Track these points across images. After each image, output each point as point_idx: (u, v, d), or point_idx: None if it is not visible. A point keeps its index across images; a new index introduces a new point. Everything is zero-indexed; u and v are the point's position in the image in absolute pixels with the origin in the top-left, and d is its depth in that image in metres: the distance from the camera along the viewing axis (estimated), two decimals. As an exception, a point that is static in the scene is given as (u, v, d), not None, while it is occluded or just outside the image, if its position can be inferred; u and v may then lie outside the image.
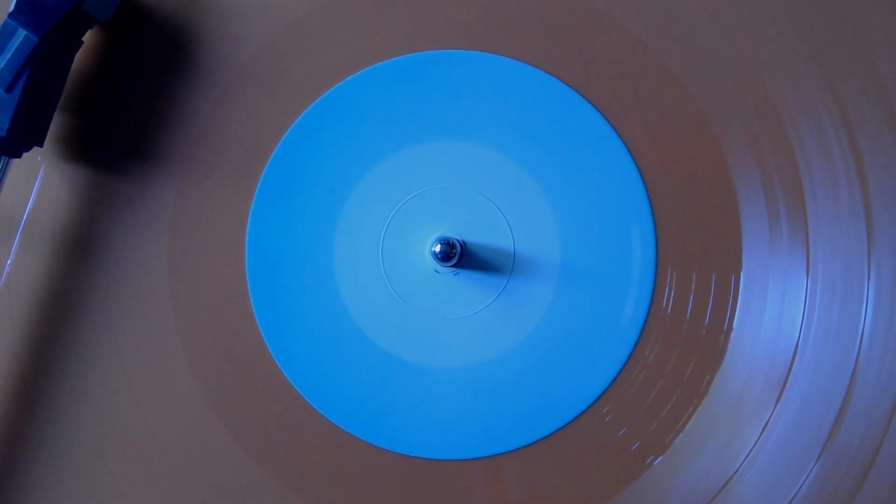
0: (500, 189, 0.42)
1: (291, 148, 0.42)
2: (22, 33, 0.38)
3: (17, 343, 0.43)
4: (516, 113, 0.42)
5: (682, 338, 0.41)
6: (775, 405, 0.40)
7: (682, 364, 0.41)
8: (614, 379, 0.41)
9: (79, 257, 0.43)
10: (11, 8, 0.38)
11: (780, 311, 0.40)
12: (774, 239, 0.40)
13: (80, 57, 0.42)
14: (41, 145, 0.41)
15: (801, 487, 0.40)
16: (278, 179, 0.42)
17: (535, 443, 0.41)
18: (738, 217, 0.41)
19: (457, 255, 0.40)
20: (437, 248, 0.39)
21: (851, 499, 0.39)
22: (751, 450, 0.40)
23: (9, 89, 0.38)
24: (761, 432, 0.40)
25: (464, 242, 0.41)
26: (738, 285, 0.41)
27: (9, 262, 0.43)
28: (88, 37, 0.42)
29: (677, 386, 0.41)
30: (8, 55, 0.38)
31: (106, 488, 0.42)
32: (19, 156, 0.40)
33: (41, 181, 0.43)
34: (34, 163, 0.43)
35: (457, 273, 0.41)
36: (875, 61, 0.40)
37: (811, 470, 0.40)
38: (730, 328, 0.40)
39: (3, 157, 0.40)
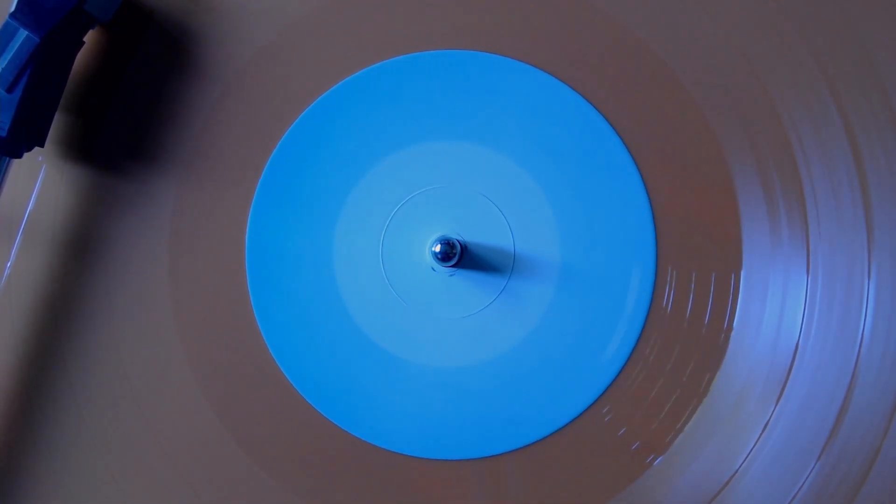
0: (501, 189, 0.42)
1: (291, 147, 0.42)
2: (23, 34, 0.38)
3: (17, 343, 0.43)
4: (516, 113, 0.42)
5: (682, 337, 0.41)
6: (776, 404, 0.40)
7: (682, 363, 0.41)
8: (614, 379, 0.41)
9: (79, 257, 0.43)
10: (13, 8, 0.38)
11: (781, 309, 0.40)
12: (774, 238, 0.40)
13: (81, 57, 0.42)
14: (42, 145, 0.41)
15: (801, 487, 0.40)
16: (278, 179, 0.42)
17: (535, 443, 0.41)
18: (738, 216, 0.41)
19: (457, 255, 0.40)
20: (438, 248, 0.39)
21: (853, 498, 0.39)
22: (751, 449, 0.40)
23: (10, 89, 0.38)
24: (762, 431, 0.40)
25: (464, 242, 0.41)
26: (738, 284, 0.40)
27: (9, 262, 0.43)
28: (89, 37, 0.42)
29: (677, 385, 0.41)
30: (9, 55, 0.38)
31: (106, 488, 0.42)
32: (20, 156, 0.40)
33: (42, 181, 0.43)
34: (35, 163, 0.43)
35: (455, 273, 0.41)
36: (875, 61, 0.40)
37: (812, 469, 0.39)
38: (730, 327, 0.40)
39: (4, 158, 0.40)
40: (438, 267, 0.41)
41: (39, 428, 0.42)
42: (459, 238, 0.41)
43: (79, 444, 0.42)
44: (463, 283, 0.41)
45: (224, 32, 0.43)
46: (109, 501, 0.42)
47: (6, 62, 0.38)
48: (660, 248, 0.41)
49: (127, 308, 0.42)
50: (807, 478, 0.39)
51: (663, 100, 0.41)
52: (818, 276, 0.40)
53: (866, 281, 0.40)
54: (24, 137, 0.40)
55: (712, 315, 0.41)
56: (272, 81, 0.43)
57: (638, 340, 0.41)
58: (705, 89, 0.41)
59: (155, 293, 0.42)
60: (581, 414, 0.41)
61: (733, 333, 0.40)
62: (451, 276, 0.42)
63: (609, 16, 0.42)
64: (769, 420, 0.40)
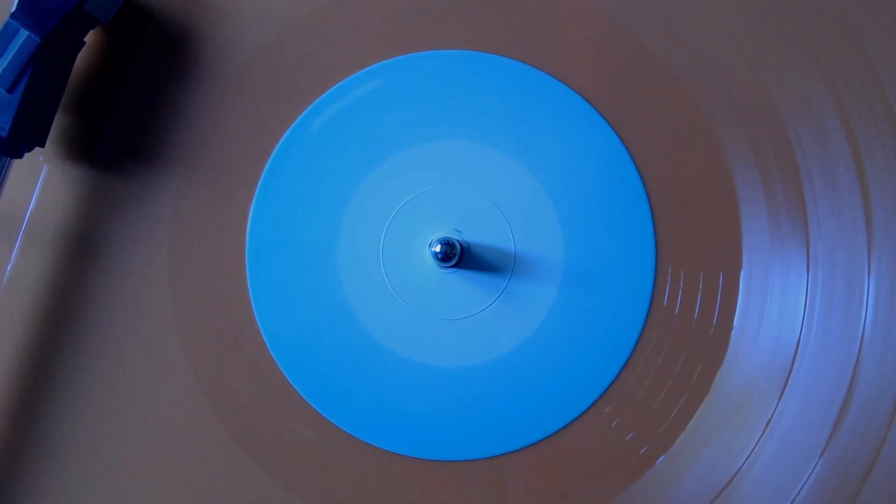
0: (501, 189, 0.42)
1: (292, 147, 0.42)
2: (24, 34, 0.38)
3: (17, 343, 0.42)
4: (516, 113, 0.42)
5: (682, 336, 0.41)
6: (778, 402, 0.40)
7: (683, 362, 0.41)
8: (616, 378, 0.41)
9: (80, 257, 0.43)
10: (13, 8, 0.39)
11: (781, 308, 0.40)
12: (775, 237, 0.40)
13: (81, 57, 0.42)
14: (43, 145, 0.41)
15: (805, 483, 0.39)
16: (279, 179, 0.42)
17: (536, 443, 0.41)
18: (738, 215, 0.41)
19: (457, 256, 0.40)
20: (438, 249, 0.39)
21: (856, 493, 0.39)
22: (754, 447, 0.40)
23: (11, 90, 0.38)
24: (764, 429, 0.40)
25: (464, 243, 0.41)
26: (739, 283, 0.40)
27: (10, 262, 0.43)
28: (90, 37, 0.42)
29: (679, 385, 0.40)
30: (10, 56, 0.38)
31: (106, 488, 0.42)
32: (21, 156, 0.40)
33: (43, 181, 0.43)
34: (36, 163, 0.43)
35: (455, 272, 0.41)
36: (875, 61, 0.41)
37: (815, 465, 0.39)
38: (730, 325, 0.40)
39: (5, 158, 0.40)
40: (439, 266, 0.41)
41: (40, 427, 0.42)
42: (459, 238, 0.41)
43: (79, 444, 0.42)
44: (464, 283, 0.41)
45: (225, 33, 0.43)
46: (109, 501, 0.42)
47: (7, 62, 0.38)
48: (660, 248, 0.41)
49: (127, 308, 0.42)
50: (810, 475, 0.39)
51: (663, 100, 0.41)
52: (818, 274, 0.40)
53: (866, 278, 0.40)
54: (24, 137, 0.40)
55: (713, 314, 0.41)
56: (272, 81, 0.43)
57: (638, 340, 0.41)
58: (705, 89, 0.41)
59: (155, 293, 0.42)
60: (582, 414, 0.41)
61: (734, 332, 0.40)
62: (451, 275, 0.41)
63: (609, 16, 0.42)
64: (771, 418, 0.40)
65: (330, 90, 0.42)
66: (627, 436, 0.40)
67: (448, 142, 0.42)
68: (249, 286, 0.42)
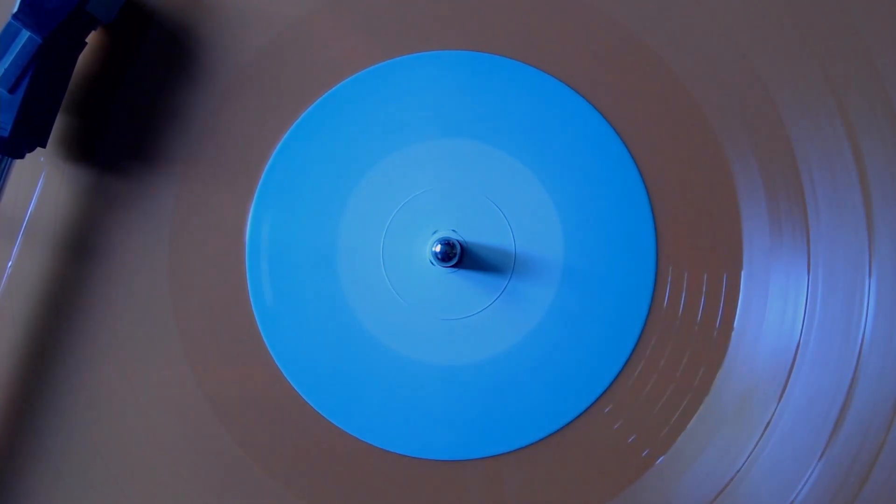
0: (501, 189, 0.42)
1: (292, 147, 0.42)
2: (25, 34, 0.39)
3: (17, 343, 0.43)
4: (517, 113, 0.42)
5: (682, 337, 0.41)
6: (778, 403, 0.40)
7: (683, 363, 0.40)
8: (615, 378, 0.41)
9: (80, 257, 0.43)
10: (15, 9, 0.39)
11: (782, 309, 0.40)
12: (775, 238, 0.40)
13: (83, 58, 0.42)
14: (44, 146, 0.41)
15: (804, 485, 0.39)
16: (279, 179, 0.42)
17: (536, 443, 0.41)
18: (739, 216, 0.41)
19: (457, 256, 0.40)
20: (438, 249, 0.39)
21: (855, 495, 0.39)
22: (754, 448, 0.40)
23: (12, 90, 0.39)
24: (764, 430, 0.40)
25: (464, 243, 0.41)
26: (739, 284, 0.40)
27: (10, 262, 0.43)
28: (91, 38, 0.43)
29: (679, 385, 0.40)
30: (12, 56, 0.38)
31: (106, 488, 0.42)
32: (22, 156, 0.40)
33: (43, 182, 0.43)
34: (37, 163, 0.43)
35: (454, 272, 0.41)
36: (875, 61, 0.41)
37: (815, 467, 0.39)
38: (731, 326, 0.40)
39: (6, 158, 0.40)
40: (438, 267, 0.41)
41: (39, 428, 0.42)
42: (459, 238, 0.41)
43: (79, 444, 0.42)
44: (464, 283, 0.41)
45: (225, 33, 0.43)
46: (109, 501, 0.42)
47: (9, 63, 0.38)
48: (660, 248, 0.41)
49: (127, 308, 0.42)
50: (809, 476, 0.39)
51: (663, 100, 0.41)
52: (819, 275, 0.40)
53: (867, 279, 0.40)
54: (26, 138, 0.40)
55: (713, 314, 0.40)
56: (273, 82, 0.43)
57: (638, 340, 0.41)
58: (705, 89, 0.41)
59: (155, 293, 0.42)
60: (582, 414, 0.41)
61: (734, 333, 0.40)
62: (452, 275, 0.41)
63: (609, 16, 0.42)
64: (771, 419, 0.40)
65: (330, 90, 0.42)
66: (627, 436, 0.40)
67: (448, 141, 0.42)
68: (249, 286, 0.42)
